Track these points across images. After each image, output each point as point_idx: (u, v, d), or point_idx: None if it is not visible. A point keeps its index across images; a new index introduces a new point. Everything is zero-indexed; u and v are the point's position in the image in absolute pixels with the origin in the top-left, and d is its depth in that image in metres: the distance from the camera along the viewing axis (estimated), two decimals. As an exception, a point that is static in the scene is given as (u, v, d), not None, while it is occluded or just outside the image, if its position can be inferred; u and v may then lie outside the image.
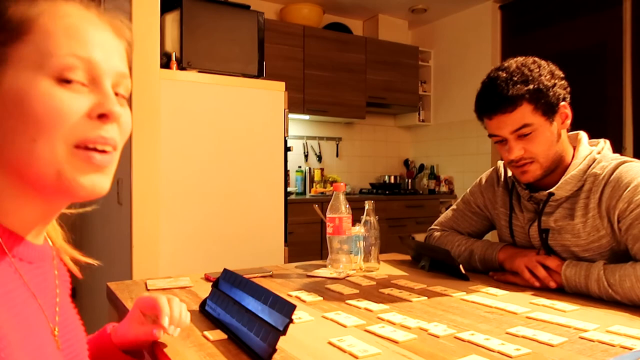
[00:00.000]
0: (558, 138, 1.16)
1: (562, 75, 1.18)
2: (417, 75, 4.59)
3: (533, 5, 3.92)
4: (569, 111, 1.17)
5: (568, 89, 1.18)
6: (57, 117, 0.49)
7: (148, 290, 1.14)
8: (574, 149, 1.20)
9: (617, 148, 3.26)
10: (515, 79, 1.12)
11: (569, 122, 1.17)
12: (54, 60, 0.49)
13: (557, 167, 1.18)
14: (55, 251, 0.62)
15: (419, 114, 4.73)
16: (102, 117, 0.52)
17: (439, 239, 1.43)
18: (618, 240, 1.11)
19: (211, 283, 0.99)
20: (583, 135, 1.23)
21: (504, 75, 1.14)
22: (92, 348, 0.76)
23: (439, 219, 1.53)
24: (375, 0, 4.23)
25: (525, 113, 1.11)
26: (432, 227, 1.52)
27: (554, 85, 1.13)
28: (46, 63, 0.49)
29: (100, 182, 0.53)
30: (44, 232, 0.59)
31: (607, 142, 1.23)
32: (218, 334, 0.81)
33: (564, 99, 1.16)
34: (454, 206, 1.50)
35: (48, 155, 0.49)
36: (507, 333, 0.82)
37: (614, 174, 1.10)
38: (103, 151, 0.52)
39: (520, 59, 1.18)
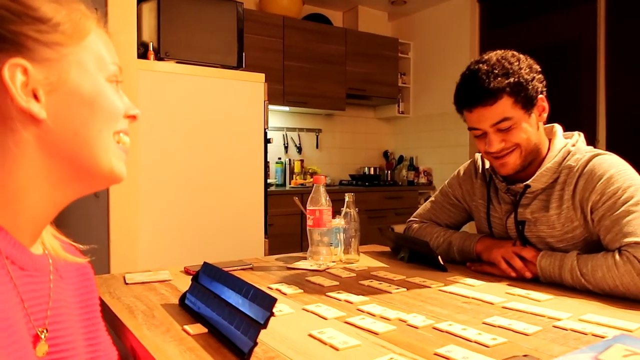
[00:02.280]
0: (536, 130, 1.18)
1: (539, 69, 1.20)
2: (396, 67, 4.61)
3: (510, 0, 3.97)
4: (546, 104, 1.19)
5: (544, 82, 1.20)
6: (116, 113, 0.60)
7: (127, 284, 1.12)
8: (550, 142, 1.23)
9: (591, 141, 3.33)
10: (496, 71, 1.14)
11: (545, 114, 1.20)
12: (109, 66, 0.60)
13: (534, 160, 1.21)
14: (54, 260, 0.62)
15: (399, 106, 4.75)
16: (132, 117, 0.64)
17: (418, 231, 1.45)
18: (591, 231, 1.14)
19: (191, 276, 0.99)
20: (558, 128, 1.26)
21: (485, 67, 1.15)
22: None
23: (417, 211, 1.54)
24: (355, -8, 4.22)
25: (505, 106, 1.13)
26: (411, 219, 1.54)
27: (533, 78, 1.15)
28: (103, 68, 0.59)
29: (125, 171, 0.63)
30: (40, 239, 0.60)
31: (581, 134, 1.25)
32: (198, 328, 0.81)
33: (541, 92, 1.18)
34: (432, 198, 1.52)
35: (106, 146, 0.59)
36: (484, 323, 0.84)
37: (588, 166, 1.13)
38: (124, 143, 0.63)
39: (500, 52, 1.19)
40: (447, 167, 4.36)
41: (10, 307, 0.51)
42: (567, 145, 1.19)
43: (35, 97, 0.53)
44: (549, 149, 1.21)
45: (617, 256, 1.01)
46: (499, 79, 1.13)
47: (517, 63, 1.15)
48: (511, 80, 1.13)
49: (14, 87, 0.52)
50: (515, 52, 1.20)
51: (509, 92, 1.13)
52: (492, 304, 0.96)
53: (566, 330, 0.81)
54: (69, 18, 0.56)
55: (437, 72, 4.48)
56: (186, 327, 0.81)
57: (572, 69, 3.55)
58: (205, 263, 0.96)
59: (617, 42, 3.31)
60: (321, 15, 4.46)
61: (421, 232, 1.44)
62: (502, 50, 1.20)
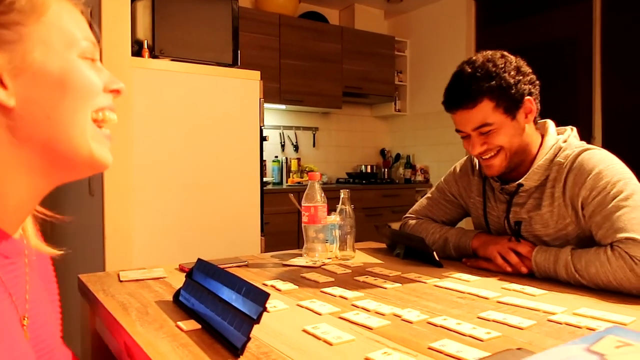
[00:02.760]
0: (522, 132, 1.17)
1: (529, 70, 1.19)
2: (393, 65, 4.61)
3: (506, -4, 3.97)
4: (533, 106, 1.18)
5: (536, 83, 1.19)
6: (92, 90, 0.57)
7: (121, 281, 1.12)
8: (542, 138, 1.22)
9: (587, 137, 3.34)
10: (478, 75, 1.14)
11: (532, 116, 1.19)
12: (79, 41, 0.56)
13: (525, 159, 1.20)
14: (27, 242, 0.62)
15: (395, 104, 4.75)
16: (115, 91, 0.61)
17: (414, 227, 1.45)
18: (583, 227, 1.14)
19: (185, 273, 0.98)
20: (550, 124, 1.25)
21: (469, 70, 1.16)
22: None
23: (413, 207, 1.54)
24: (351, -10, 4.21)
25: (486, 110, 1.13)
26: (407, 215, 1.54)
27: (518, 81, 1.14)
28: (72, 43, 0.55)
29: (110, 155, 0.60)
30: (22, 225, 0.59)
31: (574, 129, 1.25)
32: (192, 324, 0.81)
33: (529, 94, 1.17)
34: (428, 194, 1.52)
35: (83, 127, 0.56)
36: (478, 317, 0.84)
37: (576, 161, 1.13)
38: (110, 121, 0.60)
39: (489, 52, 1.19)
40: (444, 165, 4.36)
41: None
42: (559, 142, 1.19)
43: (2, 83, 0.51)
44: (541, 145, 1.21)
45: (609, 252, 1.01)
46: (480, 82, 1.13)
47: (502, 65, 1.15)
48: (492, 83, 1.12)
49: None
50: (505, 53, 1.19)
51: (489, 96, 1.13)
52: (487, 298, 0.96)
53: (560, 324, 0.81)
54: None
55: (433, 70, 4.48)
56: (180, 323, 0.81)
57: (568, 67, 3.56)
58: (199, 259, 0.96)
59: (613, 39, 3.31)
60: (317, 13, 4.46)
61: (417, 228, 1.44)
62: (493, 51, 1.20)
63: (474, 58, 1.19)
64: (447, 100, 1.20)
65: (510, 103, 1.14)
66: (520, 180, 1.20)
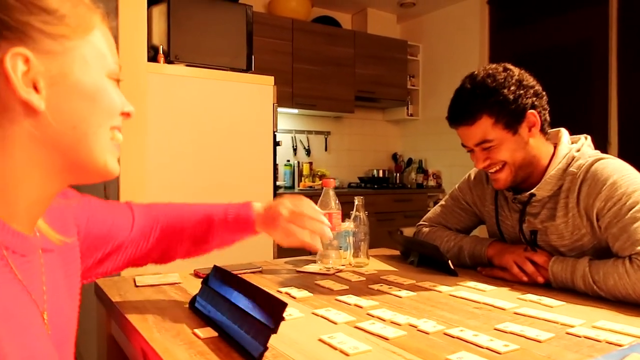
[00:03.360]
0: (525, 145, 1.16)
1: (533, 83, 1.18)
2: (405, 70, 4.60)
3: (520, 0, 3.94)
4: (537, 118, 1.16)
5: (542, 95, 1.19)
6: (115, 109, 0.61)
7: (137, 286, 1.13)
8: (555, 148, 1.21)
9: (603, 143, 3.30)
10: (478, 92, 1.14)
11: (537, 129, 1.17)
12: (110, 64, 0.60)
13: (534, 171, 1.19)
14: (42, 237, 0.64)
15: (408, 108, 4.74)
16: (126, 114, 0.64)
17: (428, 235, 1.44)
18: (599, 238, 1.12)
19: (200, 279, 0.99)
20: (564, 133, 1.24)
21: (469, 87, 1.17)
22: (231, 221, 1.00)
23: (427, 214, 1.53)
24: (364, -6, 4.22)
25: (485, 127, 1.14)
26: (421, 222, 1.53)
27: (519, 96, 1.13)
28: (105, 65, 0.59)
29: (118, 168, 0.64)
30: (36, 223, 0.61)
31: (588, 137, 1.23)
32: (208, 332, 0.81)
33: (532, 107, 1.15)
34: (442, 202, 1.51)
35: (103, 141, 0.59)
36: (495, 329, 0.83)
37: (589, 172, 1.11)
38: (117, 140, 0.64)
39: (492, 66, 1.19)
40: (456, 170, 4.34)
41: (12, 297, 0.53)
42: (572, 151, 1.17)
43: (36, 88, 0.53)
44: (554, 154, 1.19)
45: (627, 264, 0.99)
46: (479, 99, 1.13)
47: (502, 81, 1.14)
48: (491, 100, 1.13)
49: (15, 77, 0.51)
50: (508, 66, 1.19)
51: (488, 113, 1.13)
52: (503, 309, 0.95)
53: (579, 337, 0.80)
54: (75, 11, 0.56)
55: (446, 75, 4.46)
56: (196, 330, 0.81)
57: (583, 70, 3.52)
58: (215, 266, 0.97)
59: (630, 43, 3.27)
60: (330, 17, 4.47)
61: (431, 235, 1.43)
62: (496, 65, 1.20)
63: (475, 73, 1.19)
64: (449, 117, 1.22)
65: (510, 118, 1.13)
66: (532, 190, 1.19)
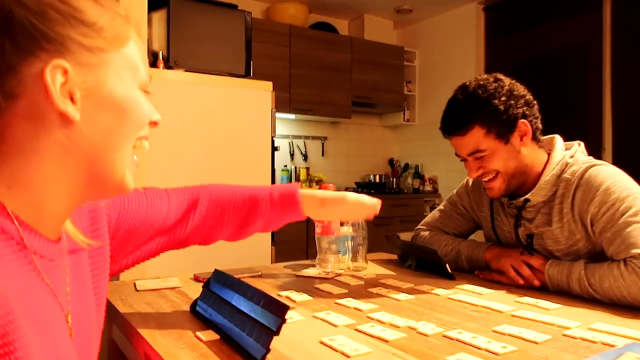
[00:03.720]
0: (517, 154, 1.19)
1: (523, 92, 1.20)
2: (402, 75, 4.63)
3: (516, 7, 3.98)
4: (528, 127, 1.18)
5: (533, 104, 1.21)
6: (145, 120, 0.62)
7: (137, 290, 1.14)
8: (548, 155, 1.23)
9: (597, 149, 3.33)
10: (469, 102, 1.17)
11: (528, 138, 1.19)
12: (142, 76, 0.61)
13: (527, 178, 1.22)
14: (68, 240, 0.65)
15: (404, 114, 4.77)
16: (154, 123, 0.66)
17: (427, 239, 1.46)
18: (594, 243, 1.14)
19: (201, 283, 1.00)
20: (558, 139, 1.26)
21: (461, 97, 1.20)
22: (278, 202, 1.00)
23: (425, 219, 1.55)
24: (360, 0, 4.25)
25: (477, 137, 1.17)
26: (419, 226, 1.54)
27: (510, 106, 1.16)
28: (137, 76, 0.60)
29: (133, 182, 0.64)
30: (62, 228, 0.62)
31: (582, 144, 1.25)
32: (211, 335, 0.82)
33: (523, 116, 1.18)
34: (440, 207, 1.52)
35: (127, 154, 0.60)
36: (493, 331, 0.85)
37: (583, 178, 1.13)
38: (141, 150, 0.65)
39: (482, 77, 1.22)
40: (453, 175, 4.36)
41: (39, 300, 0.54)
42: (565, 157, 1.19)
43: (72, 99, 0.54)
44: (547, 161, 1.22)
45: (622, 267, 1.01)
46: (471, 110, 1.16)
47: (493, 91, 1.17)
48: (482, 110, 1.15)
49: (54, 88, 0.52)
50: (499, 77, 1.21)
51: (480, 123, 1.16)
52: (501, 312, 0.97)
53: (576, 338, 0.81)
54: (112, 24, 0.57)
55: (442, 80, 4.50)
56: (198, 333, 0.82)
57: (578, 77, 3.56)
58: (216, 270, 0.98)
59: (623, 49, 3.31)
60: (327, 24, 4.50)
61: (430, 239, 1.44)
62: (487, 75, 1.23)
63: (467, 83, 1.22)
64: (442, 127, 1.25)
65: (502, 128, 1.16)
66: (527, 196, 1.21)
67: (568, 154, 1.20)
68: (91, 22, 0.55)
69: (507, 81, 1.20)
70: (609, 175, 1.11)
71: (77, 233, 0.66)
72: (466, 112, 1.17)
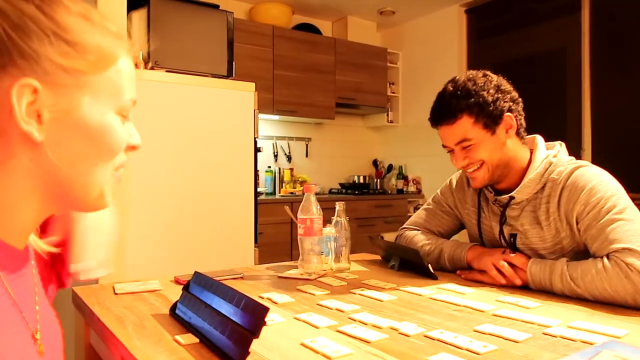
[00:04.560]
0: (502, 146, 1.23)
1: (510, 88, 1.26)
2: (385, 77, 4.64)
3: (497, 10, 4.03)
4: (514, 122, 1.23)
5: (518, 100, 1.26)
6: (118, 149, 0.58)
7: (116, 294, 1.11)
8: (531, 153, 1.26)
9: (576, 149, 3.39)
10: (459, 93, 1.22)
11: (513, 131, 1.24)
12: (124, 101, 0.57)
13: (511, 172, 1.25)
14: (33, 251, 0.63)
15: (388, 115, 4.78)
16: (133, 147, 0.61)
17: (410, 239, 1.46)
18: (578, 241, 1.17)
19: (181, 286, 0.98)
20: (539, 139, 1.29)
21: (451, 89, 1.24)
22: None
23: (411, 218, 1.55)
24: (344, 2, 4.25)
25: (465, 126, 1.21)
26: (404, 226, 1.55)
27: (497, 99, 1.21)
28: (117, 101, 0.56)
29: (110, 199, 0.61)
30: (28, 238, 0.60)
31: (563, 144, 1.28)
32: (190, 338, 0.80)
33: (509, 110, 1.22)
34: (425, 206, 1.53)
35: (101, 179, 0.57)
36: (474, 331, 0.85)
37: (570, 178, 1.17)
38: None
39: (472, 72, 1.27)
40: (436, 176, 4.38)
41: (5, 312, 0.51)
42: (549, 157, 1.23)
43: (39, 119, 0.50)
44: (530, 160, 1.25)
45: (605, 260, 1.03)
46: (460, 100, 1.21)
47: (482, 84, 1.22)
48: (471, 101, 1.20)
49: (19, 108, 0.48)
50: (488, 73, 1.26)
51: (468, 113, 1.20)
52: (482, 311, 0.97)
53: (555, 337, 0.81)
54: (99, 45, 0.53)
55: (425, 82, 4.53)
56: (177, 337, 0.81)
57: (558, 79, 3.61)
58: (196, 272, 0.96)
59: (602, 51, 3.37)
60: (311, 25, 4.49)
61: (413, 239, 1.45)
62: (476, 71, 1.27)
63: (457, 77, 1.27)
64: (431, 117, 1.28)
65: (489, 119, 1.20)
66: (512, 193, 1.23)
67: (551, 154, 1.24)
68: (74, 41, 0.51)
69: (494, 77, 1.26)
70: (595, 175, 1.15)
71: (38, 241, 0.64)
72: (456, 101, 1.21)
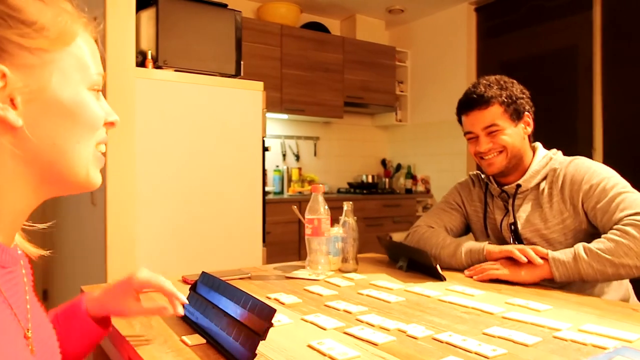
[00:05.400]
0: (521, 139, 1.38)
1: (529, 94, 1.42)
2: (394, 75, 4.62)
3: (507, 8, 3.99)
4: (531, 122, 1.41)
5: (532, 106, 1.42)
6: (97, 123, 0.59)
7: (124, 293, 1.11)
8: (534, 152, 1.43)
9: (587, 149, 3.35)
10: (491, 85, 1.39)
11: (530, 129, 1.41)
12: (92, 76, 0.58)
13: (519, 167, 1.39)
14: (22, 250, 0.62)
15: (396, 114, 4.76)
16: (111, 123, 0.62)
17: (424, 234, 1.48)
18: (580, 220, 1.29)
19: (189, 286, 0.98)
20: (539, 144, 1.46)
21: (484, 82, 1.40)
22: (61, 317, 0.79)
23: (420, 218, 1.59)
24: (352, 0, 4.24)
25: (495, 113, 1.36)
26: (415, 225, 1.56)
27: (522, 97, 1.39)
28: (86, 76, 0.57)
29: (100, 177, 0.62)
30: (16, 233, 0.59)
31: (559, 151, 1.43)
32: (196, 339, 0.80)
33: (528, 111, 1.40)
34: (432, 208, 1.61)
35: (85, 156, 0.57)
36: (483, 333, 0.84)
37: (570, 165, 1.33)
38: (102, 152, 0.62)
39: (498, 75, 1.43)
40: (445, 175, 4.36)
41: None
42: (549, 154, 1.41)
43: (13, 103, 0.51)
44: (534, 156, 1.41)
45: (620, 226, 1.15)
46: (494, 89, 1.37)
47: (511, 84, 1.40)
48: (503, 92, 1.37)
49: None
50: (512, 79, 1.44)
51: (500, 101, 1.36)
52: (491, 314, 0.96)
53: (566, 340, 0.80)
54: (55, 21, 0.53)
55: (434, 80, 4.50)
56: (184, 337, 0.81)
57: (569, 77, 3.57)
58: (203, 273, 0.96)
59: (614, 49, 3.33)
60: (319, 23, 4.48)
61: (428, 234, 1.46)
62: (501, 75, 1.44)
63: (487, 77, 1.43)
64: (462, 103, 1.42)
65: (515, 112, 1.37)
66: (519, 181, 1.38)
67: (551, 153, 1.42)
68: (31, 21, 0.51)
69: (516, 82, 1.43)
70: (592, 163, 1.33)
71: (24, 242, 0.63)
72: (490, 90, 1.36)
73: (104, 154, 0.63)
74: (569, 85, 3.56)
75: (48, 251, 0.68)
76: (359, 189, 4.43)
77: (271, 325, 0.69)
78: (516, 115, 1.36)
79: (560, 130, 3.51)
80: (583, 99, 3.48)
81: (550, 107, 3.55)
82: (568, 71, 3.58)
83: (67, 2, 0.57)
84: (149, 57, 2.04)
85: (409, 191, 4.59)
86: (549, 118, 3.54)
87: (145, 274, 0.81)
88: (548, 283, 1.22)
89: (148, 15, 2.08)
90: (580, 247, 1.17)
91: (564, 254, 1.18)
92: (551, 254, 1.19)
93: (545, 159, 1.38)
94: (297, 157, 4.43)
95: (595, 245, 1.15)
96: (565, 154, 1.42)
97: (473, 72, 4.21)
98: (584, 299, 1.09)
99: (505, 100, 1.35)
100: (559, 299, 1.07)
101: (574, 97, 3.53)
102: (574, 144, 3.44)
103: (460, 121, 1.45)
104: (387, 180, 4.80)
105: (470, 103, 1.38)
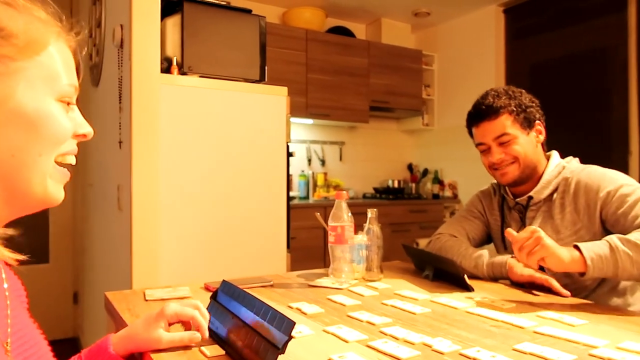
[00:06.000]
0: (533, 148, 1.37)
1: (538, 103, 1.42)
2: (420, 79, 4.57)
3: (537, 9, 3.89)
4: (543, 130, 1.40)
5: (542, 114, 1.41)
6: (62, 136, 0.56)
7: (146, 300, 1.11)
8: (547, 162, 1.40)
9: (623, 153, 3.22)
10: (500, 95, 1.38)
11: (542, 137, 1.40)
12: (62, 86, 0.55)
13: (533, 177, 1.38)
14: (3, 263, 0.61)
15: (423, 118, 4.70)
16: (82, 135, 0.59)
17: (446, 242, 1.46)
18: (594, 231, 1.26)
19: (210, 294, 0.97)
20: (555, 152, 1.44)
21: (493, 92, 1.40)
22: (86, 357, 0.77)
23: (441, 226, 1.57)
24: (378, 4, 4.21)
25: (505, 122, 1.35)
26: (437, 232, 1.54)
27: (532, 105, 1.38)
28: (55, 87, 0.54)
29: (62, 193, 0.58)
30: None
31: (576, 158, 1.41)
32: (215, 350, 0.79)
33: (539, 119, 1.39)
34: (456, 214, 1.59)
35: (44, 169, 0.54)
36: (514, 349, 0.80)
37: (582, 173, 1.31)
38: (69, 164, 0.59)
39: (506, 86, 1.43)
40: (473, 181, 4.27)
41: None
42: (562, 162, 1.38)
43: None
44: (547, 165, 1.39)
45: None
46: (503, 99, 1.36)
47: (519, 93, 1.39)
48: (512, 102, 1.36)
49: None
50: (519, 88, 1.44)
51: (509, 110, 1.35)
52: (522, 328, 0.91)
53: (603, 359, 0.76)
54: (25, 29, 0.52)
55: (462, 84, 4.42)
56: (203, 348, 0.79)
57: (602, 79, 3.45)
58: (224, 281, 0.95)
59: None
60: (344, 27, 4.47)
61: (450, 243, 1.44)
62: (510, 86, 1.44)
63: (496, 88, 1.43)
64: (472, 114, 1.41)
65: (525, 120, 1.36)
66: (530, 193, 1.37)
67: (564, 161, 1.39)
68: None
69: (525, 92, 1.41)
70: (605, 170, 1.31)
71: (3, 250, 0.60)
72: (499, 100, 1.36)
73: (73, 166, 0.60)
74: (601, 88, 3.44)
75: (25, 256, 0.63)
76: (385, 194, 4.38)
77: (291, 337, 0.67)
78: (527, 124, 1.36)
79: (595, 133, 3.39)
80: (618, 101, 3.35)
81: (581, 109, 3.44)
82: (600, 73, 3.46)
83: (41, 10, 0.55)
84: (174, 63, 2.05)
85: (436, 196, 4.51)
86: (581, 121, 3.42)
87: (176, 306, 0.82)
88: (569, 281, 1.22)
89: (173, 22, 2.10)
90: (612, 237, 1.09)
91: (596, 246, 1.08)
92: (581, 245, 1.09)
93: (557, 168, 1.36)
94: (323, 162, 4.41)
95: (628, 237, 1.08)
96: (599, 158, 1.38)
97: (502, 74, 4.12)
98: (621, 314, 1.03)
99: (515, 109, 1.35)
100: (595, 314, 1.01)
101: (607, 100, 3.41)
102: (608, 148, 3.31)
103: (470, 134, 1.44)
104: (413, 185, 4.74)
105: (479, 114, 1.38)
